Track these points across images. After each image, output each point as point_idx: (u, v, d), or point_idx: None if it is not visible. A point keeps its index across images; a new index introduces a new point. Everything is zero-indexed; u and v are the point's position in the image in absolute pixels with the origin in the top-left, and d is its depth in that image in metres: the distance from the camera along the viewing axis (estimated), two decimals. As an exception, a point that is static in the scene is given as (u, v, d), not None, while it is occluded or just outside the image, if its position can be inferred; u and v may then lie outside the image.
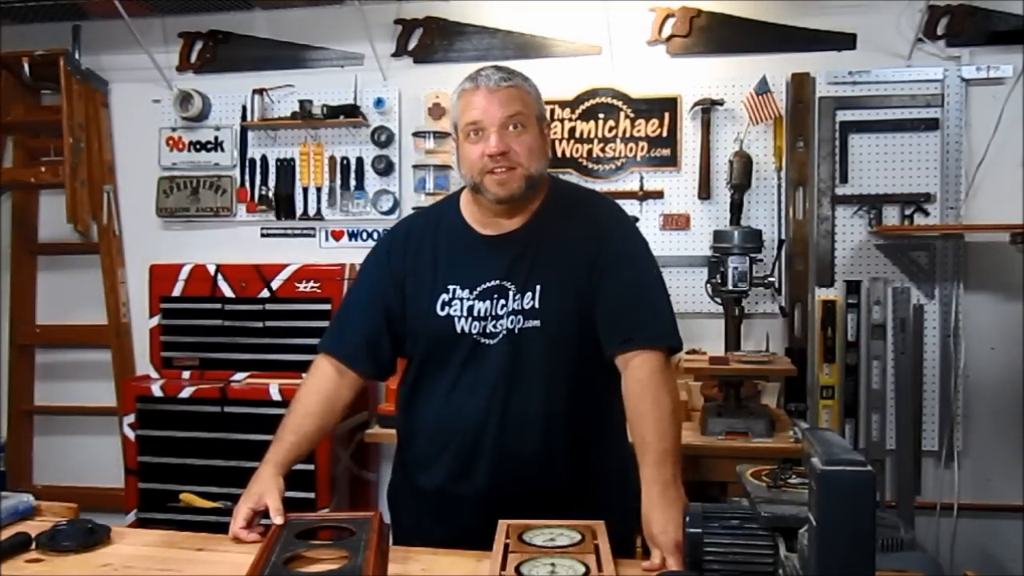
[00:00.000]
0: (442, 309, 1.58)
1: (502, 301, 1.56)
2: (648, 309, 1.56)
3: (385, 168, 3.30)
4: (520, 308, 1.55)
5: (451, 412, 1.58)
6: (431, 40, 3.27)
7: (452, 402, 1.58)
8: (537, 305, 1.54)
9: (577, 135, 3.18)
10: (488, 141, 1.51)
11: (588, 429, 1.60)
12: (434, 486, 1.61)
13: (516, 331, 1.54)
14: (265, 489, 1.49)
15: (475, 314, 1.56)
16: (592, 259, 1.57)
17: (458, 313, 1.57)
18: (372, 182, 3.32)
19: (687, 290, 3.10)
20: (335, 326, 1.72)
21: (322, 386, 1.64)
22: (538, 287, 1.55)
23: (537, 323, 1.54)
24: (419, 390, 1.65)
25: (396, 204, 3.28)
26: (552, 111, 3.16)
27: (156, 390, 3.13)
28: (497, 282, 1.57)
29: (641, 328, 1.53)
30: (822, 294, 3.07)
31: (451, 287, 1.58)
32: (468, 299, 1.57)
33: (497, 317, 1.55)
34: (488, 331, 1.56)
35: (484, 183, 1.54)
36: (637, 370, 1.50)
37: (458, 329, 1.56)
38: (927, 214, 3.00)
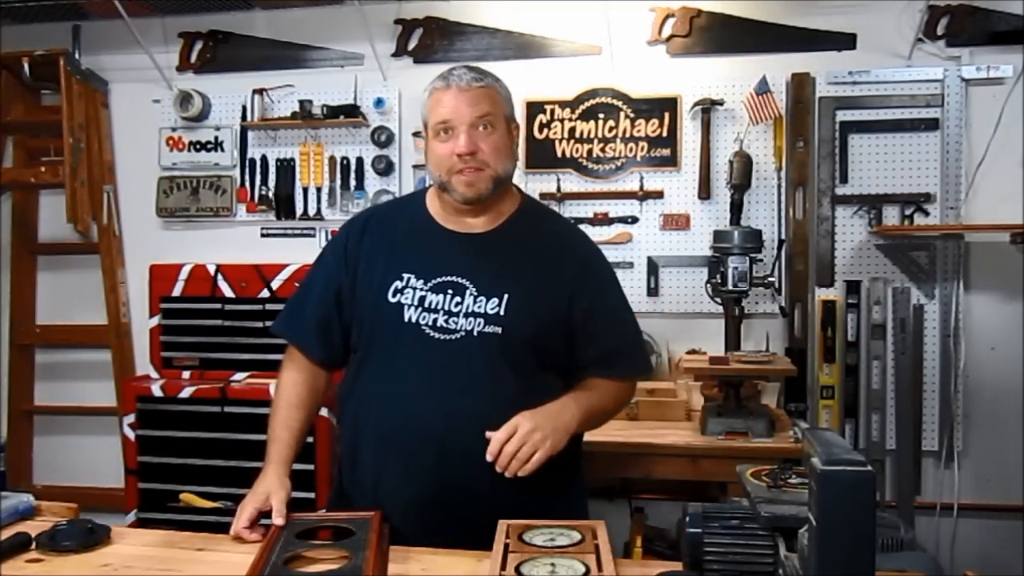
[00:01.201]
0: (393, 296, 1.56)
1: (458, 299, 1.54)
2: (633, 345, 1.70)
3: (385, 168, 3.30)
4: (482, 312, 1.53)
5: (397, 410, 1.54)
6: (431, 40, 3.28)
7: (398, 399, 1.54)
8: (502, 312, 1.53)
9: (577, 135, 3.18)
10: (457, 140, 1.51)
11: None
12: (373, 488, 1.57)
13: (475, 334, 1.52)
14: (272, 489, 1.49)
15: (426, 305, 1.54)
16: (575, 287, 1.59)
17: (409, 302, 1.55)
18: (372, 182, 3.32)
19: (687, 290, 3.11)
20: (288, 309, 1.73)
21: (299, 378, 1.66)
22: (505, 295, 1.54)
23: (499, 330, 1.53)
24: (361, 382, 1.61)
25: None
26: (552, 111, 3.15)
27: (156, 390, 3.13)
28: (454, 278, 1.55)
29: (625, 362, 1.67)
30: (822, 294, 3.07)
31: (405, 275, 1.57)
32: (421, 289, 1.55)
33: (451, 314, 1.53)
34: (439, 326, 1.53)
35: (452, 183, 1.54)
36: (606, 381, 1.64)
37: (405, 318, 1.54)
38: (927, 214, 2.99)
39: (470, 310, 1.53)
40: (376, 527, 1.37)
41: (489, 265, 1.57)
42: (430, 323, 1.54)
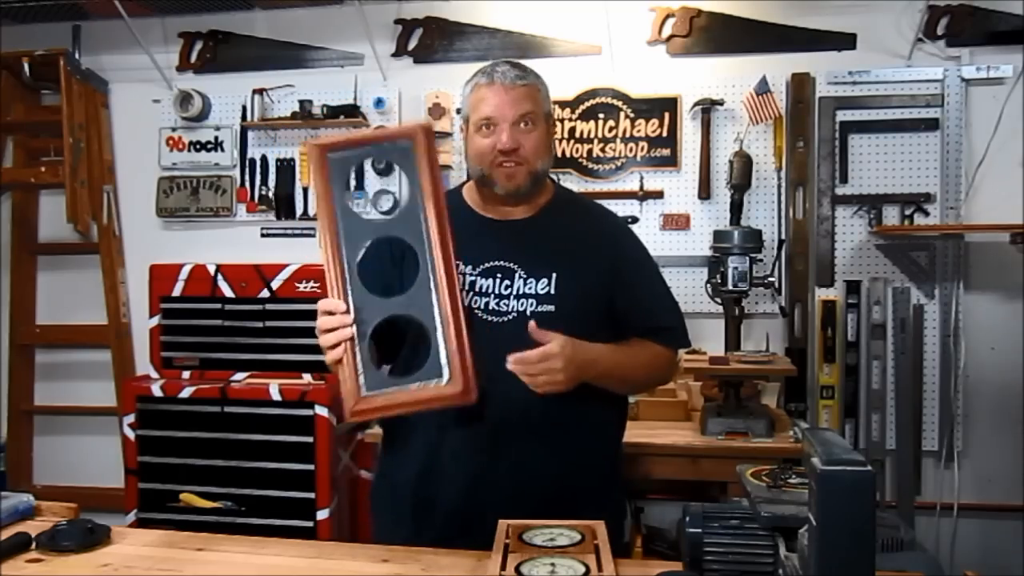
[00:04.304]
0: None
1: (507, 281, 1.58)
2: (670, 315, 1.72)
3: (385, 168, 3.30)
4: (533, 292, 1.57)
5: None
6: (431, 40, 3.27)
7: None
8: (552, 291, 1.57)
9: (577, 135, 3.18)
10: (500, 137, 1.56)
11: (583, 419, 1.59)
12: (424, 470, 1.58)
13: (528, 314, 1.55)
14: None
15: (477, 289, 1.58)
16: (613, 263, 1.64)
17: (460, 287, 1.56)
18: (372, 182, 3.32)
19: (687, 290, 3.10)
20: None
21: None
22: (554, 275, 1.58)
23: (552, 308, 1.57)
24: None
25: (396, 204, 3.27)
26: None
27: (156, 390, 3.13)
28: (501, 262, 1.59)
29: (664, 330, 1.69)
30: (822, 294, 3.07)
31: (455, 262, 1.59)
32: (471, 275, 1.59)
33: (502, 296, 1.57)
34: (492, 308, 1.57)
35: (493, 175, 1.59)
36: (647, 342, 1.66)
37: None
38: (927, 214, 2.99)
39: (520, 292, 1.58)
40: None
41: (533, 248, 1.61)
42: (482, 306, 1.57)
